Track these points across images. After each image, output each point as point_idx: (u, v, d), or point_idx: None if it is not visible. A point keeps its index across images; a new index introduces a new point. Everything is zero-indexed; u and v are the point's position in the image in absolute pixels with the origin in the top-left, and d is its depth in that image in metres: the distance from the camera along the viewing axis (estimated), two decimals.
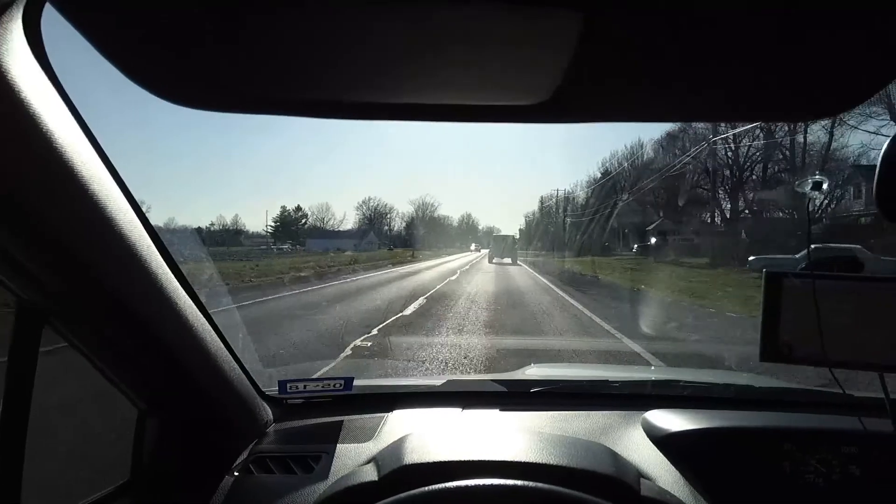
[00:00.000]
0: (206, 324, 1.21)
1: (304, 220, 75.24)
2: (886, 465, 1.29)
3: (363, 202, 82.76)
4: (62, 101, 0.80)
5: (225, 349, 1.28)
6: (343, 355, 6.02)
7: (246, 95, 0.67)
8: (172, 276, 1.08)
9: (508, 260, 38.00)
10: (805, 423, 1.44)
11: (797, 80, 0.62)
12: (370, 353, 6.30)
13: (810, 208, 1.04)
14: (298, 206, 75.60)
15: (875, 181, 0.88)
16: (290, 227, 68.73)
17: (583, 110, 0.68)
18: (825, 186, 1.04)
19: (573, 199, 63.94)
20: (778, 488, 1.30)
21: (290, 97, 0.68)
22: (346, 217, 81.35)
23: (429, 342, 6.90)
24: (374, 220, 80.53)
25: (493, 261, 37.96)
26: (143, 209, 1.00)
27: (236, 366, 1.34)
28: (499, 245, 42.36)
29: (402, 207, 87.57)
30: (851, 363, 1.01)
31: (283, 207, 73.71)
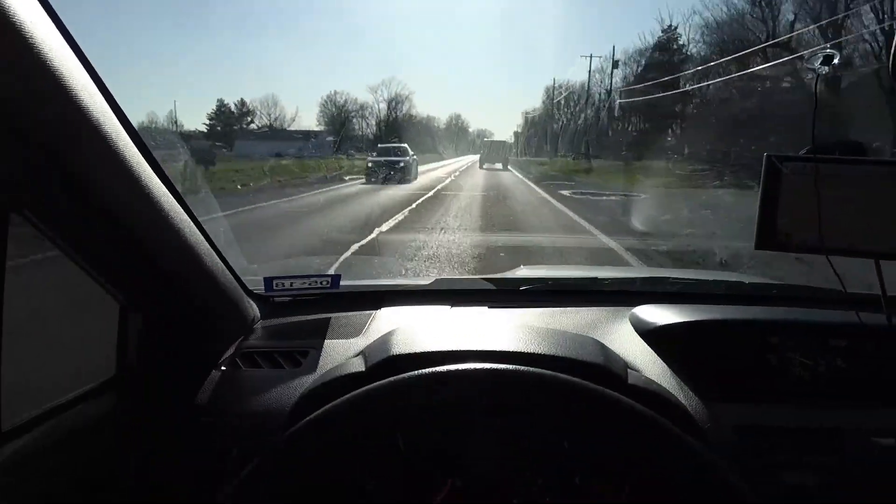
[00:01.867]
0: (186, 217, 1.17)
1: (249, 119, 64.98)
2: (874, 359, 1.29)
3: (328, 98, 71.32)
4: None
5: (206, 243, 1.25)
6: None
7: None
8: (147, 165, 1.03)
9: (499, 166, 37.99)
10: (794, 316, 1.44)
11: None
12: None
13: (819, 86, 0.98)
14: (242, 100, 65.33)
15: (893, 49, 0.82)
16: (232, 126, 59.81)
17: None
18: (836, 60, 0.98)
19: (567, 100, 61.35)
20: (762, 380, 1.31)
21: None
22: (298, 115, 70.48)
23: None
24: (342, 120, 69.38)
25: (484, 166, 37.97)
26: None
27: (219, 261, 1.31)
28: (490, 150, 42.30)
29: (383, 107, 77.04)
30: (849, 250, 0.99)
31: (221, 101, 63.86)
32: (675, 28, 44.50)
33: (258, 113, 66.03)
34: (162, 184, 1.08)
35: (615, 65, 46.55)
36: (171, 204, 1.11)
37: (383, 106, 72.36)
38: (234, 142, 51.38)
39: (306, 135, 59.71)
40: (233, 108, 64.31)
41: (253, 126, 62.83)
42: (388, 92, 76.76)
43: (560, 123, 61.09)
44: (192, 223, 1.19)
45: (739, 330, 1.38)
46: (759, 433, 1.18)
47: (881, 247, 0.99)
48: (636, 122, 47.75)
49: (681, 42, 45.46)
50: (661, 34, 45.55)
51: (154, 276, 1.15)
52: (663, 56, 44.78)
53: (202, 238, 1.23)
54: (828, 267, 1.07)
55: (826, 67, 0.98)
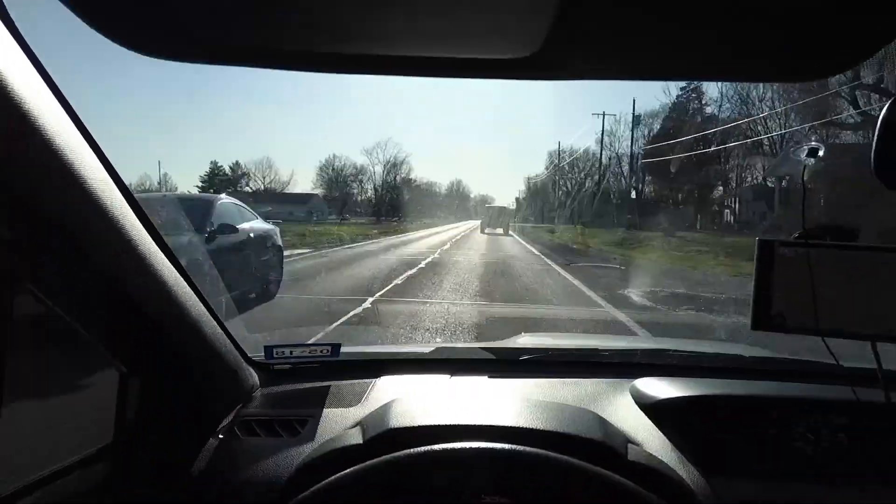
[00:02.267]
0: (186, 285, 1.19)
1: (244, 181, 64.19)
2: (876, 435, 1.29)
3: (327, 162, 70.83)
4: (22, 50, 0.77)
5: (207, 313, 1.27)
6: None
7: (200, 41, 0.63)
8: (149, 236, 1.06)
9: (500, 231, 38.48)
10: (794, 391, 1.44)
11: (800, 37, 0.59)
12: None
13: (805, 176, 1.02)
14: (236, 162, 65.37)
15: (873, 148, 0.86)
16: (226, 187, 57.58)
17: (570, 66, 0.64)
18: (821, 153, 1.02)
19: (571, 166, 62.23)
20: (764, 455, 1.30)
21: (249, 45, 0.64)
22: (293, 178, 70.26)
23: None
24: (340, 183, 69.09)
25: (486, 231, 38.45)
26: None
27: (219, 329, 1.32)
28: (491, 216, 42.89)
29: (379, 170, 76.49)
30: (844, 332, 1.01)
31: (214, 163, 63.38)
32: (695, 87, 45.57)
33: (253, 176, 65.77)
34: (163, 255, 1.11)
35: (636, 121, 46.45)
36: (173, 274, 1.13)
37: (379, 169, 71.62)
38: None
39: (301, 198, 59.47)
40: (227, 170, 63.54)
41: (247, 189, 62.09)
42: (383, 154, 77.29)
43: (564, 189, 61.71)
44: (192, 292, 1.22)
45: (741, 404, 1.38)
46: None
47: (874, 329, 1.00)
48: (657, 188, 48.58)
49: (703, 101, 46.82)
50: (680, 92, 46.47)
51: (155, 343, 1.16)
52: (682, 116, 45.64)
53: (203, 307, 1.25)
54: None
55: (812, 160, 1.02)
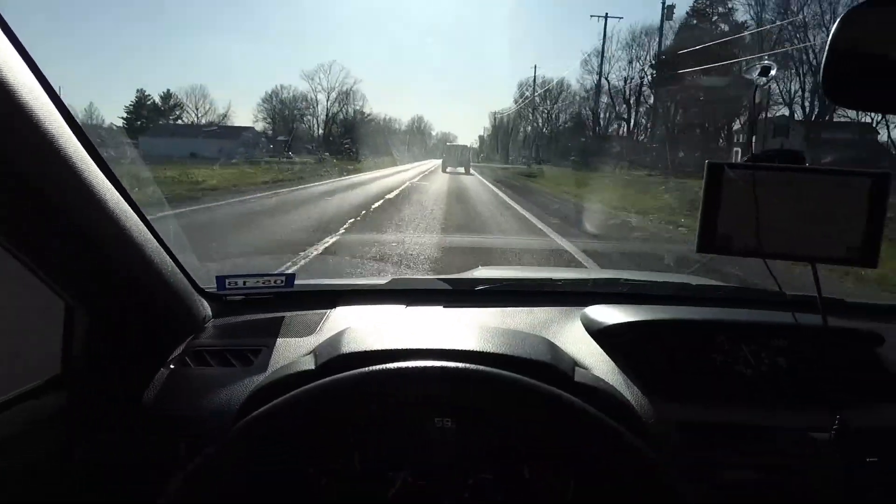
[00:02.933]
0: (134, 215, 1.15)
1: (177, 113, 57.22)
2: (812, 357, 1.35)
3: (273, 93, 65.00)
4: None
5: (155, 241, 1.23)
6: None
7: None
8: (92, 161, 1.02)
9: (462, 170, 38.57)
10: (738, 316, 1.49)
11: None
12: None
13: (757, 97, 1.03)
14: (168, 91, 58.28)
15: (822, 67, 0.86)
16: (157, 121, 51.74)
17: None
18: (773, 72, 1.02)
19: (544, 98, 61.26)
20: (708, 378, 1.35)
21: None
22: (231, 111, 62.04)
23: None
24: (286, 118, 62.12)
25: (447, 170, 38.48)
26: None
27: (169, 259, 1.29)
28: (452, 155, 42.92)
29: (322, 98, 68.53)
30: (787, 255, 1.03)
31: (141, 92, 56.72)
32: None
33: (185, 107, 58.83)
34: (108, 180, 1.07)
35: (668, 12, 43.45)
36: (118, 201, 1.10)
37: (322, 97, 64.97)
38: (140, 139, 43.58)
39: (232, 132, 51.93)
40: (157, 100, 56.90)
41: (180, 122, 55.37)
42: (328, 80, 67.97)
43: (535, 124, 60.62)
44: (139, 220, 1.18)
45: (686, 329, 1.42)
46: (701, 430, 1.21)
47: (817, 251, 1.03)
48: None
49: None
50: None
51: (100, 273, 1.13)
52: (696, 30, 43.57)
53: (150, 235, 1.22)
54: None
55: (764, 78, 1.02)
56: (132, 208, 1.15)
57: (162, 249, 1.27)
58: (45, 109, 0.88)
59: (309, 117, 65.54)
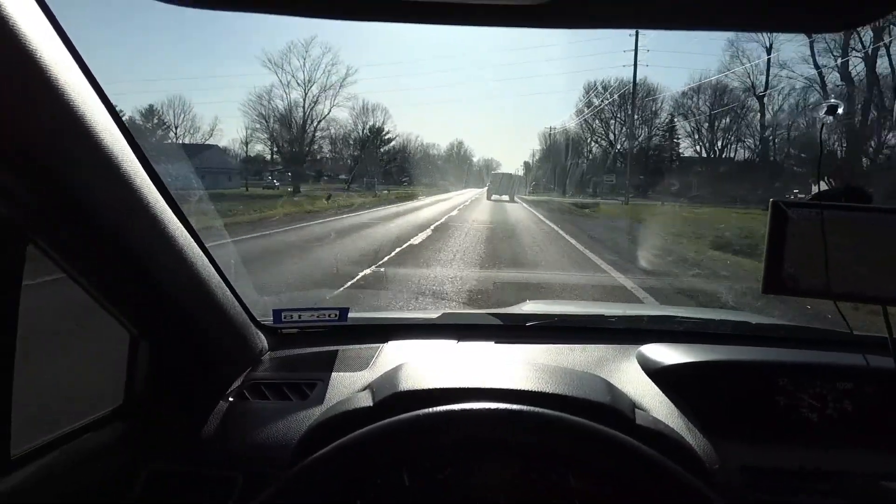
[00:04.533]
0: (197, 247, 1.19)
1: (159, 133, 49.55)
2: (882, 401, 1.29)
3: (264, 92, 54.76)
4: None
5: (217, 275, 1.27)
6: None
7: None
8: (159, 195, 1.05)
9: (507, 197, 39.17)
10: (801, 358, 1.43)
11: None
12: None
13: (823, 135, 1.01)
14: (151, 106, 51.53)
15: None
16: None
17: (587, 12, 0.61)
18: (840, 111, 1.00)
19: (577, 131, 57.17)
20: (771, 422, 1.30)
21: None
22: (217, 128, 55.53)
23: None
24: (298, 139, 50.32)
25: (492, 198, 39.17)
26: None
27: (229, 292, 1.32)
28: (498, 183, 43.86)
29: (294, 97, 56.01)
30: (856, 296, 1.00)
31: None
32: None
33: (173, 123, 51.32)
34: (175, 216, 1.10)
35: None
36: (184, 235, 1.13)
37: (297, 97, 51.89)
38: None
39: (190, 150, 43.40)
40: (137, 118, 48.88)
41: (167, 142, 48.82)
42: (304, 69, 54.17)
43: (599, 143, 57.26)
44: (202, 254, 1.21)
45: (747, 371, 1.38)
46: (766, 474, 1.17)
47: (887, 293, 0.99)
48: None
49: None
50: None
51: (164, 306, 1.16)
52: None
53: (212, 269, 1.25)
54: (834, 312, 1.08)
55: (830, 117, 1.00)
56: (194, 239, 1.18)
57: (223, 282, 1.30)
58: (113, 136, 0.91)
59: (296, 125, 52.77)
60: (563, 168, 56.48)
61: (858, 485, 1.15)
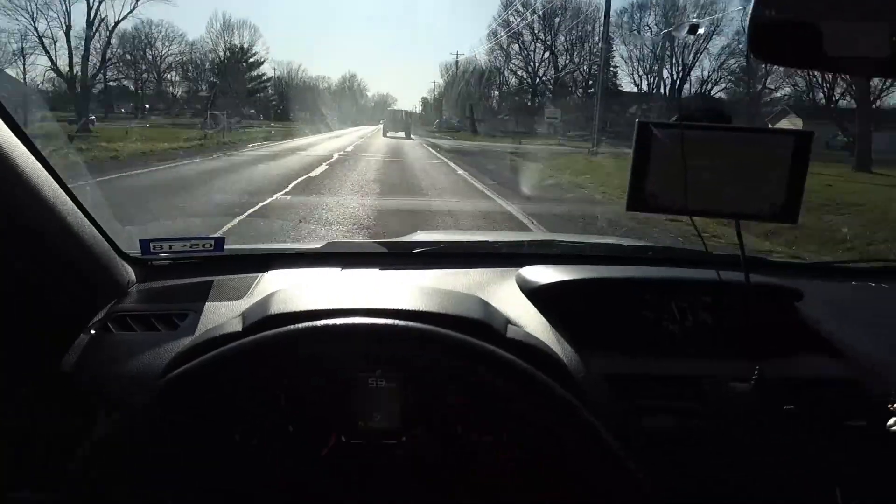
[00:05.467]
0: (46, 173, 1.10)
1: None
2: (734, 313, 1.40)
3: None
4: None
5: (70, 202, 1.17)
6: None
7: None
8: (4, 124, 0.97)
9: (402, 134, 38.99)
10: (666, 274, 1.54)
11: None
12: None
13: (691, 59, 1.04)
14: None
15: (748, 21, 0.87)
16: None
17: None
18: (702, 30, 1.03)
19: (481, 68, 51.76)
20: (636, 334, 1.39)
21: None
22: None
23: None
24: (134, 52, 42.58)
25: (388, 134, 38.98)
26: None
27: (86, 220, 1.23)
28: (393, 119, 43.53)
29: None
30: (712, 212, 1.06)
31: None
32: None
33: None
34: (20, 142, 1.02)
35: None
36: (31, 161, 1.05)
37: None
38: None
39: None
40: None
41: None
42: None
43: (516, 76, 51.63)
44: (54, 182, 1.12)
45: (617, 288, 1.46)
46: (627, 381, 1.25)
47: (741, 208, 1.06)
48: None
49: None
50: None
51: (15, 235, 1.07)
52: None
53: (66, 196, 1.16)
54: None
55: (692, 36, 1.03)
56: (47, 169, 1.10)
57: (79, 211, 1.21)
58: None
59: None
60: (473, 104, 49.97)
61: (710, 387, 1.25)
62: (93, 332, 1.26)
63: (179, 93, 49.53)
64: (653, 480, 0.81)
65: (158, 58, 47.22)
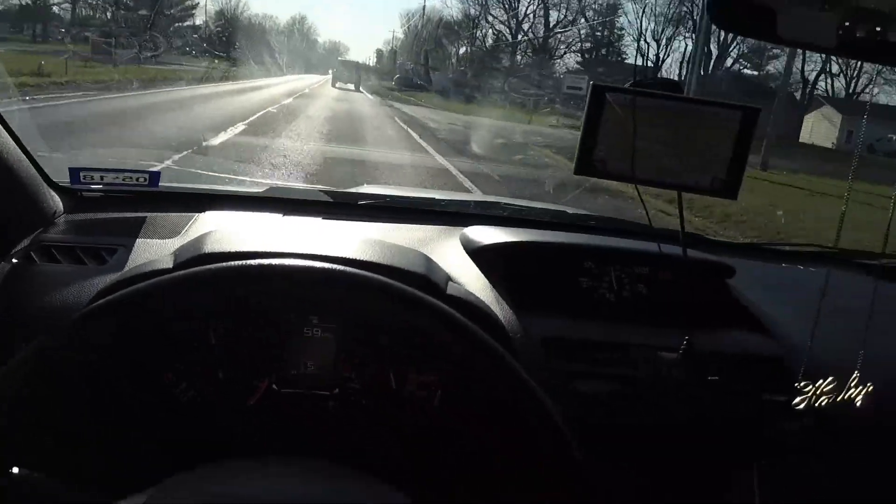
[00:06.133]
0: None
1: None
2: (670, 285, 1.45)
3: None
4: None
5: None
6: None
7: None
8: None
9: (352, 86, 38.05)
10: (605, 243, 1.56)
11: None
12: None
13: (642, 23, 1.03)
14: None
15: None
16: None
17: None
18: None
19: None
20: (574, 300, 1.42)
21: None
22: None
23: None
24: None
25: (337, 85, 37.98)
26: None
27: (12, 143, 1.16)
28: (343, 70, 42.44)
29: None
30: (656, 182, 1.07)
31: None
32: None
33: None
34: None
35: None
36: None
37: None
38: None
39: None
40: None
41: None
42: None
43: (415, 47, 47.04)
44: None
45: (557, 253, 1.48)
46: (562, 345, 1.27)
47: (684, 180, 1.08)
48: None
49: None
50: None
51: None
52: None
53: None
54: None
55: None
56: None
57: (5, 132, 1.13)
58: None
59: None
60: (439, 59, 44.77)
61: (641, 355, 1.28)
62: (14, 260, 1.20)
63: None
64: (583, 445, 0.83)
65: None
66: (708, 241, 1.84)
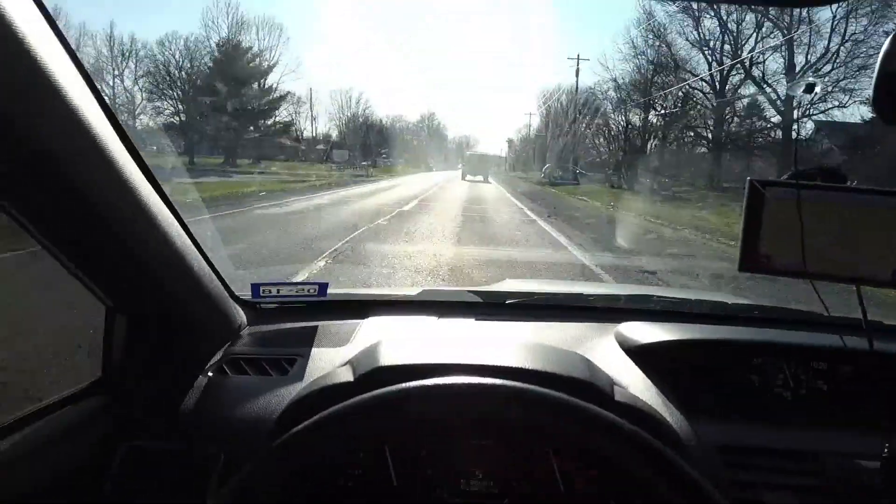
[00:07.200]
0: (172, 218, 1.16)
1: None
2: (855, 381, 1.32)
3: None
4: None
5: (193, 247, 1.25)
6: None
7: None
8: (136, 166, 1.02)
9: (481, 178, 39.81)
10: (777, 338, 1.46)
11: None
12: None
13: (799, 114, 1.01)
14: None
15: (874, 83, 0.84)
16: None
17: None
18: (818, 89, 1.00)
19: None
20: (745, 400, 1.33)
21: None
22: None
23: None
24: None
25: (466, 178, 39.83)
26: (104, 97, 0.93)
27: (206, 265, 1.31)
28: (472, 163, 45.45)
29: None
30: (831, 275, 1.01)
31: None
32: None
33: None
34: (149, 183, 1.08)
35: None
36: (159, 206, 1.10)
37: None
38: None
39: None
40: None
41: None
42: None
43: (556, 134, 45.59)
44: (179, 226, 1.19)
45: (723, 350, 1.40)
46: (742, 453, 1.19)
47: (862, 272, 1.01)
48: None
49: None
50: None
51: (140, 278, 1.14)
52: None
53: (189, 241, 1.23)
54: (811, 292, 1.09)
55: (808, 95, 1.01)
56: (171, 212, 1.16)
57: (200, 256, 1.28)
58: (91, 111, 0.89)
59: None
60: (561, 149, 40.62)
61: (834, 464, 1.17)
62: (210, 374, 1.33)
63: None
64: None
65: None
66: (888, 327, 1.66)
